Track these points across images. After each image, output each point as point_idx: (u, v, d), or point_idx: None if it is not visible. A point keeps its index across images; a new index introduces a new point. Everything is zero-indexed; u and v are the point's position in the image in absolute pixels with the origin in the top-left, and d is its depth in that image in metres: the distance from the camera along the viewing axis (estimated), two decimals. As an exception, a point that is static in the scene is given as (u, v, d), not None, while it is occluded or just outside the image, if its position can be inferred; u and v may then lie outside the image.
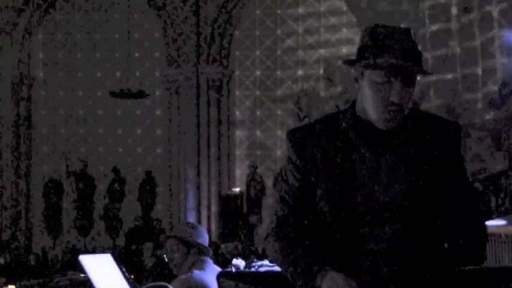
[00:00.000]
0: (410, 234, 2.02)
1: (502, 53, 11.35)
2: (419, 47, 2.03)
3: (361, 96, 2.05)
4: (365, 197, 2.02)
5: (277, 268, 4.20)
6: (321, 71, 13.84)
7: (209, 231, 12.65)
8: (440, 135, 2.08)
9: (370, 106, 2.01)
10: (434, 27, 11.89)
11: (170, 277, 3.88)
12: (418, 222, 2.02)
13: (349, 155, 2.05)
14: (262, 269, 4.13)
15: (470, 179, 2.24)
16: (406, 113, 2.01)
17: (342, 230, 2.04)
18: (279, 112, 14.15)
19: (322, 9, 13.89)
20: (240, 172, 14.29)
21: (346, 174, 2.04)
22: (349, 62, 2.07)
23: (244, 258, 4.99)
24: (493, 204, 8.52)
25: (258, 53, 14.27)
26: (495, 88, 11.33)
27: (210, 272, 3.79)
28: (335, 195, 2.04)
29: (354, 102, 2.10)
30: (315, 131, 2.10)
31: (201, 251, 3.83)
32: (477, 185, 8.70)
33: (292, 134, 2.12)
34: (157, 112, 14.78)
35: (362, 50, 2.02)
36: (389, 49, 1.97)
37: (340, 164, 2.04)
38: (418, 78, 2.03)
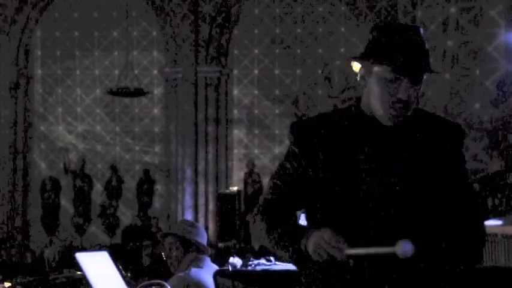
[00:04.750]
0: (410, 231, 2.02)
1: (500, 53, 11.37)
2: (427, 46, 2.04)
3: (368, 92, 2.05)
4: (365, 193, 2.02)
5: (273, 267, 4.22)
6: (320, 71, 13.84)
7: (206, 229, 12.62)
8: (442, 136, 2.09)
9: (377, 102, 2.02)
10: (432, 27, 11.90)
11: (167, 275, 3.88)
12: (418, 219, 2.03)
13: (352, 149, 2.05)
14: (258, 268, 4.13)
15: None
16: (412, 110, 2.03)
17: (341, 224, 2.04)
18: (277, 111, 14.15)
19: (320, 8, 13.90)
20: (238, 171, 14.28)
21: (347, 169, 2.03)
22: (361, 57, 2.07)
23: (241, 257, 4.99)
24: (489, 204, 8.53)
25: (256, 51, 14.27)
26: (493, 88, 11.34)
27: (208, 270, 3.79)
28: (336, 189, 2.04)
29: (359, 98, 2.11)
30: (319, 125, 2.11)
31: (199, 249, 3.83)
32: (474, 185, 8.71)
33: (295, 126, 2.14)
34: (155, 110, 14.77)
35: (372, 47, 2.03)
36: (401, 47, 1.98)
37: (342, 158, 2.04)
38: (424, 76, 2.04)
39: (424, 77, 2.03)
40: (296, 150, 2.10)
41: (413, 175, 2.03)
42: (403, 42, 1.98)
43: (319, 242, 1.91)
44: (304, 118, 2.26)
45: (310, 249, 1.94)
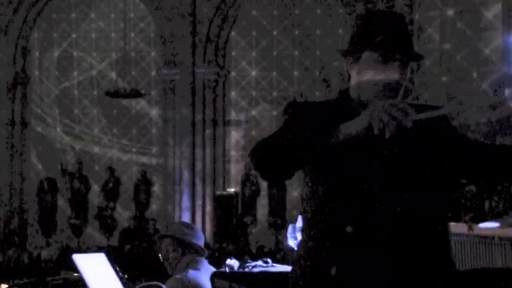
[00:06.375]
0: (409, 217, 2.00)
1: (497, 56, 11.39)
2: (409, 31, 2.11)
3: (357, 79, 2.08)
4: (359, 177, 2.01)
5: (270, 269, 4.21)
6: (317, 73, 13.85)
7: (204, 231, 12.65)
8: (430, 120, 2.11)
9: (367, 87, 2.04)
10: (429, 29, 11.92)
11: (165, 277, 3.87)
12: (416, 204, 2.00)
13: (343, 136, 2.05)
14: (255, 270, 4.13)
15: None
16: (400, 94, 2.04)
17: (333, 206, 2.03)
18: (274, 113, 14.15)
19: (318, 10, 13.91)
20: (235, 172, 14.28)
21: (338, 155, 2.01)
22: (349, 45, 2.10)
23: (238, 258, 4.99)
24: (487, 207, 8.56)
25: (254, 53, 14.27)
26: (490, 91, 11.36)
27: (205, 272, 3.79)
28: (329, 176, 2.03)
29: (347, 88, 2.14)
30: (313, 106, 2.16)
31: (196, 251, 3.83)
32: (472, 187, 8.72)
33: (290, 105, 2.21)
34: (153, 112, 14.76)
35: (359, 34, 2.06)
36: (388, 31, 2.03)
37: (333, 144, 2.01)
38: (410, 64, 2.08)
39: (410, 64, 2.06)
40: (290, 125, 2.11)
41: (404, 158, 2.02)
42: (389, 27, 2.03)
43: (383, 105, 1.85)
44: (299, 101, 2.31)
45: (365, 115, 1.88)
